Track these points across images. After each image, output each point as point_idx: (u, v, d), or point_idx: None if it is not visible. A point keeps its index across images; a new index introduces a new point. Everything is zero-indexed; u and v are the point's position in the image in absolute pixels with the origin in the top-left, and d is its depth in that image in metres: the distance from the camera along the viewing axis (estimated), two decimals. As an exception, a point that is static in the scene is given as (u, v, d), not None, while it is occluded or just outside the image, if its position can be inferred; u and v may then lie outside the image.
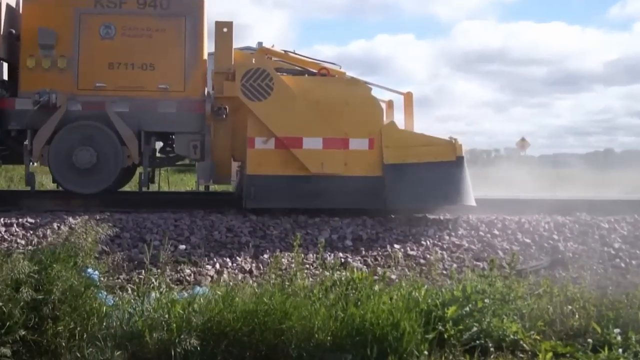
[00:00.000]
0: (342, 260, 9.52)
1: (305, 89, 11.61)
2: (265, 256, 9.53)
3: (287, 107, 11.42)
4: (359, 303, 6.67)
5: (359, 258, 9.79)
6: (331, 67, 12.64)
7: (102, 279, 7.40)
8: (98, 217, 8.34)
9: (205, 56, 12.35)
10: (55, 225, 9.73)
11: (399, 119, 12.65)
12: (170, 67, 11.97)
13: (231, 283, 7.80)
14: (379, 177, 11.43)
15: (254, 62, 12.02)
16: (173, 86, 11.94)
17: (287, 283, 7.43)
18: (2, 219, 10.03)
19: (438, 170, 11.47)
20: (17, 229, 9.75)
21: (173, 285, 8.19)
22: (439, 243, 10.46)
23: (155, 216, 10.58)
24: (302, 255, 9.24)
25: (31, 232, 9.59)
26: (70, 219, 9.95)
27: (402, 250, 10.07)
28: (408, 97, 12.93)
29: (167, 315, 6.36)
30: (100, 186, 11.81)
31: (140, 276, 8.09)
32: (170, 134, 12.33)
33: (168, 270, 8.56)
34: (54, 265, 6.67)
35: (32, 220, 10.04)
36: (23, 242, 9.30)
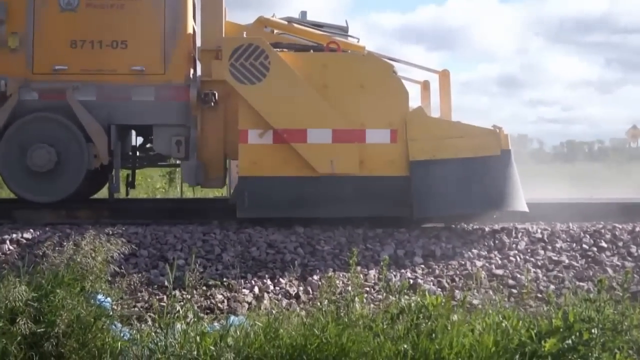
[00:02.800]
0: (411, 281, 9.48)
1: (310, 69, 11.45)
2: (315, 277, 9.53)
3: (287, 92, 11.26)
4: (434, 336, 6.62)
5: (432, 279, 9.75)
6: (345, 40, 12.61)
7: (115, 307, 7.47)
8: (109, 232, 8.38)
9: (191, 30, 12.24)
10: (56, 241, 9.82)
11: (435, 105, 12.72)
12: (147, 44, 11.86)
13: (274, 311, 7.80)
14: (404, 178, 11.29)
15: (245, 36, 11.84)
16: (150, 68, 11.83)
17: (342, 311, 7.40)
18: (-9, 234, 10.17)
19: (478, 167, 11.29)
20: (11, 247, 9.90)
21: (202, 315, 8.18)
22: (532, 259, 10.36)
23: (178, 229, 10.64)
24: (361, 275, 9.21)
25: (28, 250, 9.68)
26: (75, 234, 10.04)
27: (486, 268, 10.01)
28: (444, 77, 12.87)
29: (195, 352, 6.39)
30: (62, 193, 11.70)
31: (162, 303, 8.12)
32: (149, 127, 12.24)
33: (196, 296, 8.60)
34: (57, 291, 6.75)
35: (29, 236, 10.18)
36: (19, 262, 9.38)
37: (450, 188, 11.21)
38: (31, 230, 10.39)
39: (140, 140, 13.19)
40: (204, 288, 8.92)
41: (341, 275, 9.38)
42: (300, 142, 11.23)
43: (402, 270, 9.88)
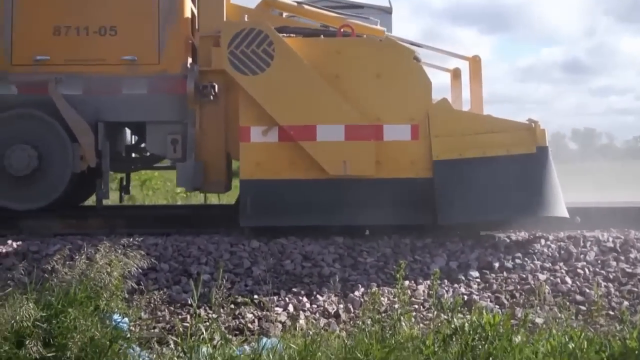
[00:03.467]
0: (465, 297, 9.43)
1: (320, 57, 11.31)
2: (357, 293, 9.49)
3: (293, 83, 11.13)
4: (492, 359, 6.60)
5: (489, 294, 9.69)
6: (364, 23, 12.51)
7: (132, 328, 7.49)
8: (125, 243, 8.38)
9: (189, 13, 12.10)
10: (67, 254, 9.83)
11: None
12: (139, 30, 11.76)
13: (311, 332, 7.80)
14: (427, 180, 11.14)
15: (246, 19, 11.64)
16: (143, 57, 11.72)
17: (388, 331, 7.39)
18: (-7, 247, 10.25)
19: (511, 167, 11.10)
20: (15, 261, 9.90)
21: (230, 336, 8.19)
22: (602, 271, 10.29)
23: (203, 239, 10.67)
24: (409, 291, 9.20)
25: (35, 264, 9.63)
26: (88, 245, 10.05)
27: (551, 282, 9.93)
28: (475, 64, 12.78)
29: (223, 378, 6.42)
30: (44, 200, 11.61)
31: (185, 324, 8.14)
32: (141, 124, 12.13)
33: (223, 315, 8.62)
34: (69, 310, 6.78)
35: (35, 248, 10.24)
36: (25, 278, 9.38)
37: (479, 191, 11.06)
38: (38, 242, 10.45)
39: (134, 138, 13.16)
40: (232, 306, 8.92)
41: (386, 290, 9.37)
42: (309, 140, 11.10)
43: (455, 285, 9.83)
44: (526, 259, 10.50)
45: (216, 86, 11.57)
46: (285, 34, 11.62)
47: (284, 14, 12.67)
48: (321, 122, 11.11)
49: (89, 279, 7.30)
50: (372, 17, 13.20)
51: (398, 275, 7.85)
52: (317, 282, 9.78)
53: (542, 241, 11.04)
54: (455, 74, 13.21)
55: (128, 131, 12.85)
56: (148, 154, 12.66)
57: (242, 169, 11.21)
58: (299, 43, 11.43)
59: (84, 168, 11.65)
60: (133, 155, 13.10)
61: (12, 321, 6.58)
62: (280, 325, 8.76)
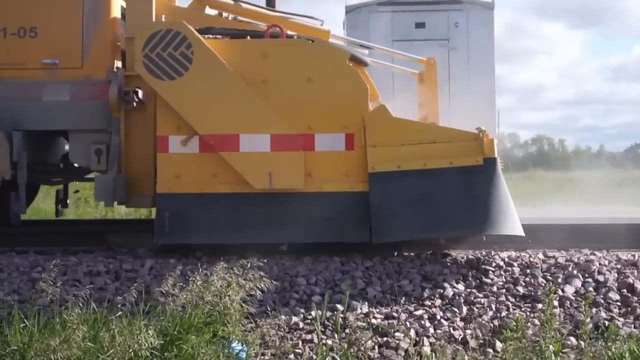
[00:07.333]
0: (606, 323, 9.24)
1: (245, 60, 11.18)
2: (486, 317, 9.38)
3: (214, 89, 11.00)
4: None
5: (632, 319, 9.52)
6: (302, 22, 12.49)
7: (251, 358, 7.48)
8: (248, 263, 8.34)
9: (118, 12, 11.91)
10: (171, 274, 9.74)
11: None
12: (61, 31, 11.55)
13: (438, 360, 7.75)
14: (362, 194, 10.99)
15: (163, 19, 11.54)
16: (65, 61, 11.51)
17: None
18: (84, 265, 10.31)
19: (455, 180, 10.91)
20: (107, 280, 10.00)
21: (349, 365, 8.16)
22: None
23: (309, 257, 10.71)
24: (542, 314, 9.07)
25: (128, 284, 9.71)
26: (193, 265, 10.10)
27: None
28: (430, 67, 12.76)
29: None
30: None
31: (297, 350, 8.10)
32: (63, 133, 12.00)
33: (337, 341, 8.57)
34: (191, 337, 6.78)
35: (129, 267, 10.32)
36: (118, 299, 9.35)
37: (419, 206, 10.91)
38: (131, 259, 10.57)
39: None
40: (347, 331, 8.88)
41: (517, 314, 9.24)
42: (231, 151, 10.98)
43: (594, 309, 9.63)
44: (672, 279, 10.28)
45: (139, 92, 11.27)
46: (210, 36, 11.53)
47: (229, 15, 12.62)
48: (245, 132, 11.00)
49: (205, 302, 7.29)
50: (313, 18, 13.02)
51: (547, 300, 7.73)
52: (440, 305, 9.70)
53: (694, 259, 10.81)
54: (422, 77, 13.14)
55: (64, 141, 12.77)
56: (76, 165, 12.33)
57: (160, 182, 11.08)
58: (222, 45, 11.29)
59: None
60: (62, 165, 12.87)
61: (130, 350, 6.58)
62: (402, 353, 8.69)
